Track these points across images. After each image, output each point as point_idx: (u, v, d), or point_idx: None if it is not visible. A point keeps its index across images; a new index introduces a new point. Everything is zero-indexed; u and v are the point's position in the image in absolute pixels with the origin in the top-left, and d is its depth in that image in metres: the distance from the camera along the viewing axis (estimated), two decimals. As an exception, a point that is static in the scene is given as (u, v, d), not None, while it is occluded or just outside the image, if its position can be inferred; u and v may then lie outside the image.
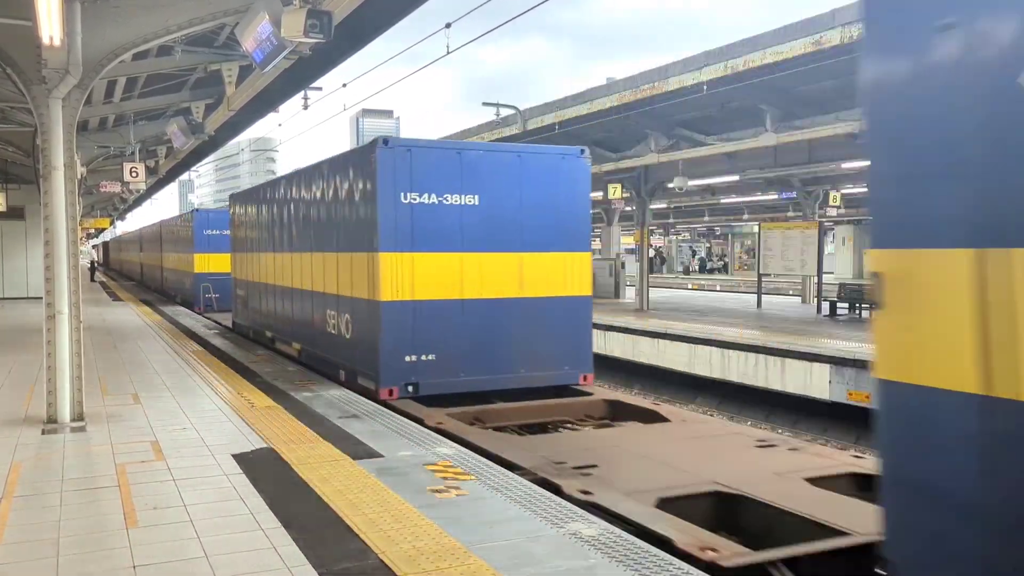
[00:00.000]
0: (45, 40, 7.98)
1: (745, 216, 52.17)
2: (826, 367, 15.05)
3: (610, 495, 6.72)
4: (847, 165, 21.36)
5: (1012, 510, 2.87)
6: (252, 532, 5.72)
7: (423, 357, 10.57)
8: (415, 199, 10.42)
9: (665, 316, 23.08)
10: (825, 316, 22.84)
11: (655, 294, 30.42)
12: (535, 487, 6.74)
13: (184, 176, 49.32)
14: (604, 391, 12.96)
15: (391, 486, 6.73)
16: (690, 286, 45.09)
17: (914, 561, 3.27)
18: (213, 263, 26.80)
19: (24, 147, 20.78)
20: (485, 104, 24.96)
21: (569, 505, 6.25)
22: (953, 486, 3.08)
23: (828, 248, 39.85)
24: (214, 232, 26.84)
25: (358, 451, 7.94)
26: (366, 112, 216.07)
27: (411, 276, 10.43)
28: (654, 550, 5.30)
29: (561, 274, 11.33)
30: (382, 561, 5.13)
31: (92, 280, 47.80)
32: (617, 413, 10.90)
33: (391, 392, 10.42)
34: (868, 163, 3.57)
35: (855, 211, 37.25)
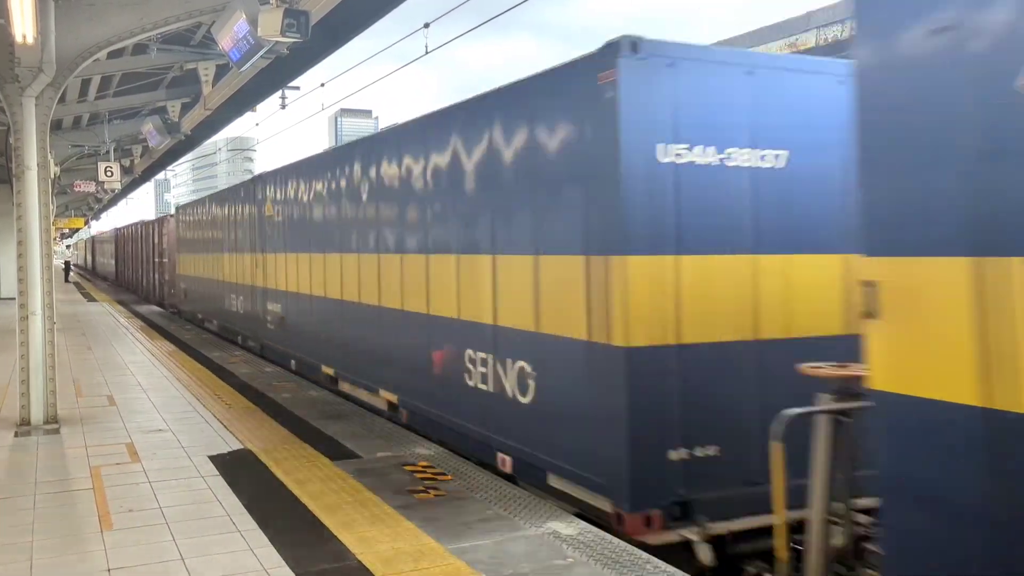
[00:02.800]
0: (18, 38, 7.90)
1: None
2: None
3: None
4: None
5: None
6: (229, 534, 5.69)
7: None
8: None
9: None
10: None
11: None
12: (513, 487, 6.75)
13: (160, 176, 48.97)
14: None
15: (369, 487, 6.72)
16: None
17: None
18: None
19: (-4, 146, 20.51)
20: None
21: (547, 504, 6.26)
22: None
23: None
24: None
25: (336, 452, 7.92)
26: (345, 112, 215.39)
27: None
28: (631, 548, 5.33)
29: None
30: (360, 562, 5.12)
31: (66, 280, 47.30)
32: None
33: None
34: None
35: None
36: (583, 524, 5.81)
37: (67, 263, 52.87)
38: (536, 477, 6.69)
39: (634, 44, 5.72)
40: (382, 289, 9.63)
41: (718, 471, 5.86)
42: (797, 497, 4.94)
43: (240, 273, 16.63)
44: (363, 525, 5.80)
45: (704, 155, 5.97)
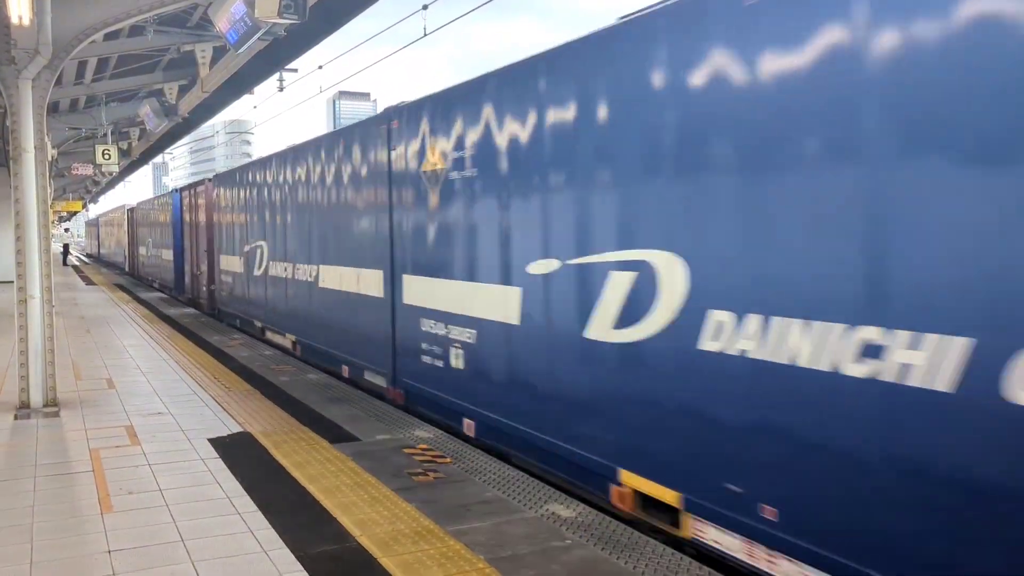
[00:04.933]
0: (14, 20, 7.84)
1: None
2: None
3: None
4: None
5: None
6: (229, 516, 5.71)
7: None
8: None
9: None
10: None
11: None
12: (513, 469, 6.77)
13: (158, 159, 48.83)
14: None
15: (368, 469, 6.74)
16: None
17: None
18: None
19: (-7, 129, 20.41)
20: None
21: (546, 487, 6.29)
22: None
23: None
24: None
25: (335, 435, 7.93)
26: (343, 94, 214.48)
27: None
28: (630, 530, 5.36)
29: None
30: (360, 544, 5.15)
31: (64, 264, 47.27)
32: None
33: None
34: None
35: None
36: (582, 506, 5.83)
37: (65, 246, 52.79)
38: None
39: None
40: None
41: None
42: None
43: None
44: (362, 507, 5.82)
45: None
